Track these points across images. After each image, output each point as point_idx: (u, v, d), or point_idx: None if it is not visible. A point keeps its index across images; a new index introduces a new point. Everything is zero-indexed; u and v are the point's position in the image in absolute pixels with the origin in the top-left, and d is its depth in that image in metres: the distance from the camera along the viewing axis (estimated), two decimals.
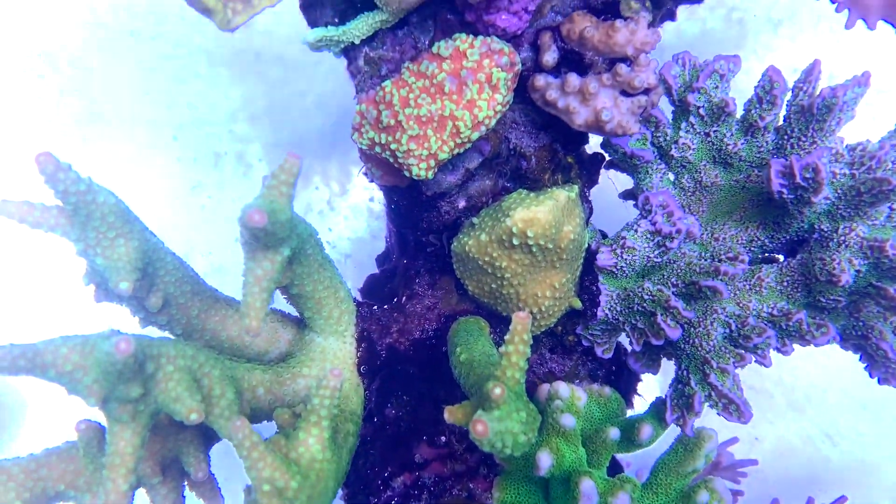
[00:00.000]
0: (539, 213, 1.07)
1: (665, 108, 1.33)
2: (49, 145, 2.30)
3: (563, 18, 1.18)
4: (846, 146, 1.16)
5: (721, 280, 1.11)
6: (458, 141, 1.09)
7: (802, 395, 2.30)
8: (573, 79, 1.11)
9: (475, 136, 1.09)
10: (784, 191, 1.13)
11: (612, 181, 1.52)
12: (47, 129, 2.36)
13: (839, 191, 1.12)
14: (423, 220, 1.27)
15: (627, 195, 1.47)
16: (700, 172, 1.30)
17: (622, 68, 1.08)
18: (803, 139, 1.18)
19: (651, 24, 1.28)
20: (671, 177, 1.34)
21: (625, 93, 1.12)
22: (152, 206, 2.40)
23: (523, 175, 1.25)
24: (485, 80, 1.08)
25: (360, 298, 1.49)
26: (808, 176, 1.09)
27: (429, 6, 1.16)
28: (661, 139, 1.31)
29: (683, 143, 1.28)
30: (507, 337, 0.89)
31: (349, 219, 2.51)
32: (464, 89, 1.07)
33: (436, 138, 1.07)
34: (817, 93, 1.17)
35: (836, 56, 2.33)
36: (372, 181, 1.22)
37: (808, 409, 2.26)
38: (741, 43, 2.41)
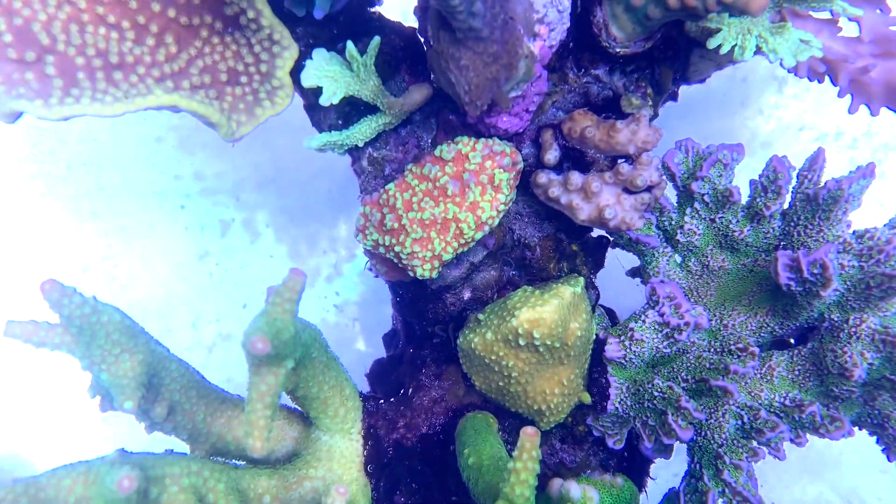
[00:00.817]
0: (545, 313, 1.07)
1: (668, 189, 1.33)
2: (58, 218, 2.33)
3: (564, 114, 1.19)
4: (854, 233, 1.15)
5: (731, 380, 1.10)
6: (462, 241, 1.09)
7: (818, 458, 2.26)
8: (575, 177, 1.11)
9: (479, 235, 1.09)
10: (792, 283, 1.12)
11: (618, 259, 1.51)
12: (56, 202, 2.38)
13: (848, 283, 1.11)
14: (428, 311, 1.26)
15: (634, 273, 1.46)
16: (707, 256, 1.29)
17: (624, 167, 1.08)
18: (810, 227, 1.17)
19: (653, 116, 1.29)
20: (678, 259, 1.33)
21: (628, 189, 1.12)
22: (160, 275, 2.42)
23: (528, 265, 1.25)
24: (487, 182, 1.08)
25: (366, 381, 1.48)
26: (815, 272, 1.08)
27: (431, 104, 1.17)
28: (666, 223, 1.31)
29: (689, 229, 1.27)
30: (515, 453, 0.88)
31: (356, 283, 2.51)
32: (467, 192, 1.07)
33: (439, 240, 1.07)
34: (822, 183, 1.17)
35: (841, 113, 2.33)
36: (377, 276, 1.22)
37: (824, 472, 2.22)
38: (746, 101, 2.42)
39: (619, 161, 1.11)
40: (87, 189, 2.37)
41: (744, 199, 1.25)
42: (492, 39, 0.91)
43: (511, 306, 1.10)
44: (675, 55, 1.25)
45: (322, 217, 2.53)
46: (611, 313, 1.45)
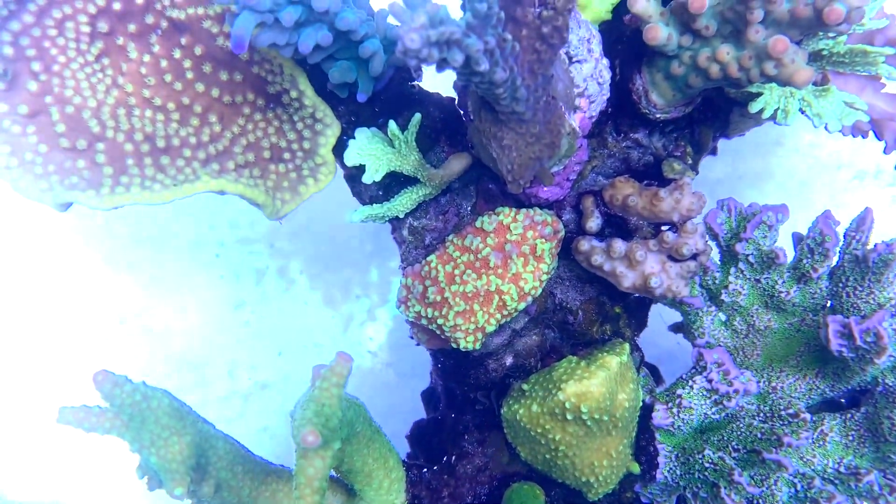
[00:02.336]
0: (592, 386, 1.05)
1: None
2: (95, 270, 2.37)
3: (605, 179, 1.19)
4: None
5: (785, 453, 1.07)
6: (505, 313, 1.08)
7: None
8: (618, 244, 1.10)
9: (522, 306, 1.09)
10: (844, 350, 1.10)
11: (661, 315, 1.49)
12: (94, 254, 2.42)
13: None
14: (469, 377, 1.26)
15: (677, 329, 1.44)
16: (752, 316, 1.27)
17: (669, 236, 1.07)
18: (860, 289, 1.15)
19: (694, 166, 1.28)
20: (722, 317, 1.31)
21: (672, 256, 1.11)
22: (196, 325, 2.44)
23: (571, 329, 1.24)
24: (529, 252, 1.08)
25: (406, 442, 1.47)
26: (869, 340, 1.06)
27: (470, 172, 1.17)
28: (710, 282, 1.29)
29: (734, 289, 1.25)
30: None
31: (390, 328, 2.51)
32: (509, 263, 1.07)
33: (482, 312, 1.06)
34: (871, 245, 1.15)
35: (880, 150, 2.30)
36: (418, 345, 1.21)
37: None
38: (781, 140, 2.39)
39: (664, 229, 1.10)
40: (123, 241, 2.41)
41: (789, 257, 1.23)
42: (534, 121, 0.91)
43: (556, 378, 1.09)
44: (715, 115, 1.24)
45: (355, 263, 2.54)
46: (654, 371, 1.43)
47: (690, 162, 1.26)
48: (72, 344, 2.37)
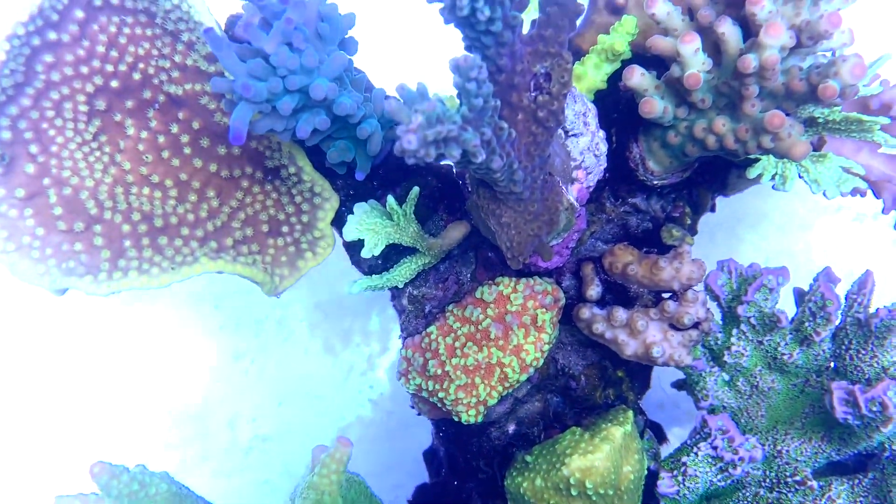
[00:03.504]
0: (597, 460, 1.04)
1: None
2: (94, 325, 2.37)
3: (604, 245, 1.18)
4: None
5: None
6: (507, 384, 1.07)
7: None
8: (619, 313, 1.09)
9: (524, 377, 1.08)
10: (849, 418, 1.09)
11: (659, 377, 1.48)
12: (92, 309, 2.42)
13: None
14: (472, 445, 1.24)
15: (679, 386, 1.43)
16: (756, 377, 1.26)
17: (670, 305, 1.07)
18: (863, 352, 1.14)
19: (693, 227, 1.28)
20: (725, 377, 1.30)
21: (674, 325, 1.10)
22: (196, 377, 2.42)
23: (573, 395, 1.22)
24: (530, 323, 1.07)
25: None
26: (874, 409, 1.04)
27: (469, 238, 1.17)
28: (712, 343, 1.28)
29: (736, 351, 1.24)
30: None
31: (391, 375, 2.49)
32: (510, 334, 1.06)
33: (484, 385, 1.06)
34: (873, 309, 1.14)
35: None
36: (419, 415, 1.20)
37: None
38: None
39: (665, 297, 1.10)
40: (122, 295, 2.41)
41: (791, 312, 1.22)
42: (532, 199, 0.91)
43: (560, 451, 1.08)
44: (713, 177, 1.24)
45: (355, 311, 2.53)
46: (658, 430, 1.42)
47: (689, 223, 1.26)
48: (72, 403, 2.35)
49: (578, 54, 1.25)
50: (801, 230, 2.34)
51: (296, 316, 2.51)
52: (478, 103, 0.73)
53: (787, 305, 1.29)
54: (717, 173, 1.24)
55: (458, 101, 0.78)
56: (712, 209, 1.41)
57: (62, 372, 2.35)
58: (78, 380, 2.36)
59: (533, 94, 0.85)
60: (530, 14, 1.11)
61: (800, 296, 1.28)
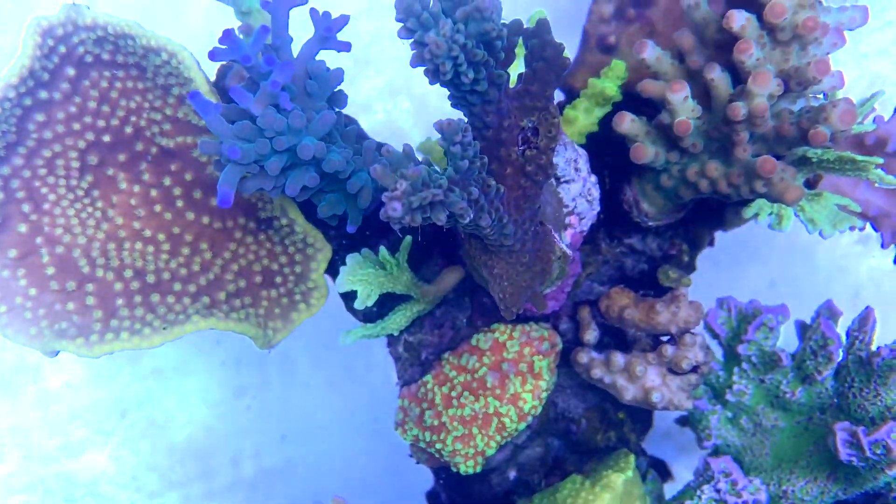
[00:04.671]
0: None
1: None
2: (96, 363, 2.36)
3: (600, 286, 1.18)
4: None
5: None
6: (505, 434, 1.06)
7: None
8: (618, 358, 1.08)
9: (522, 426, 1.07)
10: (854, 460, 1.07)
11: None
12: None
13: None
14: (473, 492, 1.23)
15: (683, 422, 1.41)
16: (759, 415, 1.24)
17: (668, 350, 1.06)
18: (866, 391, 1.12)
19: (691, 263, 1.27)
20: (728, 415, 1.28)
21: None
22: (198, 414, 2.41)
23: (574, 438, 1.21)
24: (527, 370, 1.06)
25: None
26: (878, 452, 1.03)
27: (464, 283, 1.16)
28: (713, 381, 1.27)
29: (738, 389, 1.23)
30: None
31: (395, 407, 2.48)
32: (506, 383, 1.05)
33: (482, 436, 1.04)
34: (874, 346, 1.13)
35: None
36: (418, 463, 1.19)
37: None
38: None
39: (663, 341, 1.09)
40: None
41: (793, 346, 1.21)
42: (524, 251, 0.91)
43: (561, 501, 1.06)
44: (710, 215, 1.24)
45: (357, 343, 2.53)
46: (661, 467, 1.40)
47: (687, 260, 1.25)
48: (70, 440, 2.34)
49: (571, 93, 1.25)
50: (804, 254, 2.32)
51: (298, 350, 2.51)
52: (463, 165, 0.73)
53: (789, 334, 1.28)
54: (713, 211, 1.23)
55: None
56: (711, 244, 1.40)
57: (61, 409, 2.34)
58: (76, 415, 2.35)
59: (521, 149, 0.85)
60: (516, 67, 1.11)
61: (802, 329, 1.26)
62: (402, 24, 0.76)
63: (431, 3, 0.75)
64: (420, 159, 0.76)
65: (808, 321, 1.24)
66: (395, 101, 2.28)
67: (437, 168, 0.75)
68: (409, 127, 2.24)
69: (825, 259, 2.28)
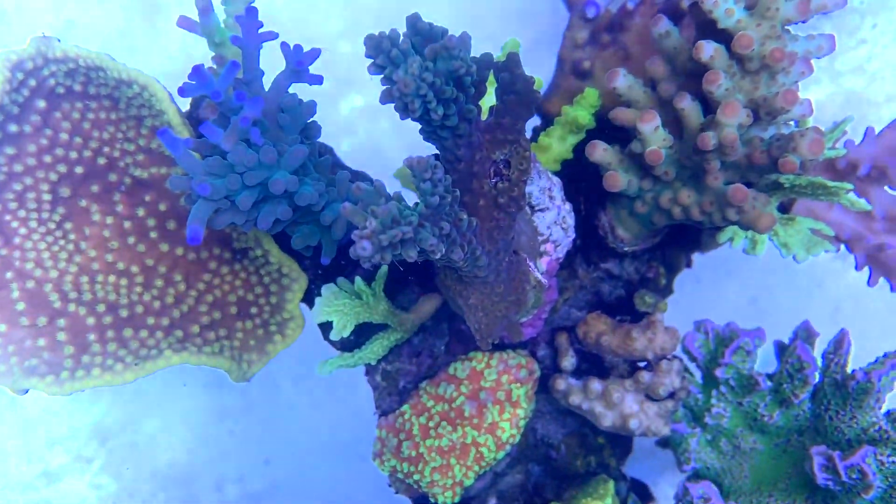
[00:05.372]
0: None
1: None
2: None
3: (578, 311, 1.18)
4: (890, 418, 1.11)
5: None
6: (483, 464, 1.06)
7: None
8: (595, 385, 1.08)
9: (501, 455, 1.06)
10: (830, 484, 1.07)
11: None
12: None
13: (890, 479, 1.06)
14: None
15: (664, 444, 1.41)
16: (737, 438, 1.24)
17: (644, 377, 1.06)
18: (842, 413, 1.13)
19: (668, 286, 1.27)
20: (707, 437, 1.28)
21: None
22: (181, 438, 2.39)
23: (554, 464, 1.21)
24: (505, 399, 1.06)
25: None
26: (853, 476, 1.03)
27: (442, 309, 1.16)
28: (692, 404, 1.27)
29: (717, 412, 1.23)
30: None
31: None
32: (484, 412, 1.05)
33: (459, 466, 1.04)
34: (849, 369, 1.13)
35: None
36: (397, 493, 1.18)
37: None
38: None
39: (640, 367, 1.09)
40: None
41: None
42: (498, 281, 0.91)
43: None
44: (685, 238, 1.24)
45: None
46: (643, 490, 1.40)
47: (665, 282, 1.26)
48: (54, 469, 2.31)
49: (547, 118, 1.26)
50: (784, 269, 2.33)
51: (281, 372, 2.49)
52: (434, 201, 0.73)
53: (769, 353, 1.28)
54: (689, 234, 1.24)
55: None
56: (688, 265, 1.41)
57: (39, 436, 2.31)
58: (56, 442, 2.32)
59: (493, 181, 0.85)
60: (489, 98, 1.11)
61: (780, 350, 1.27)
62: (371, 61, 0.76)
63: (401, 39, 0.75)
64: (391, 194, 0.75)
65: (787, 339, 1.25)
66: (376, 122, 2.28)
67: (407, 203, 0.75)
68: (389, 147, 2.24)
69: (805, 275, 2.29)
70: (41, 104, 1.02)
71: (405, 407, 1.08)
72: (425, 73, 0.70)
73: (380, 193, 0.74)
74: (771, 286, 2.32)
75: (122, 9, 2.15)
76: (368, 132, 2.28)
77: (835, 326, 2.29)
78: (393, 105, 0.75)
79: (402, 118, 0.77)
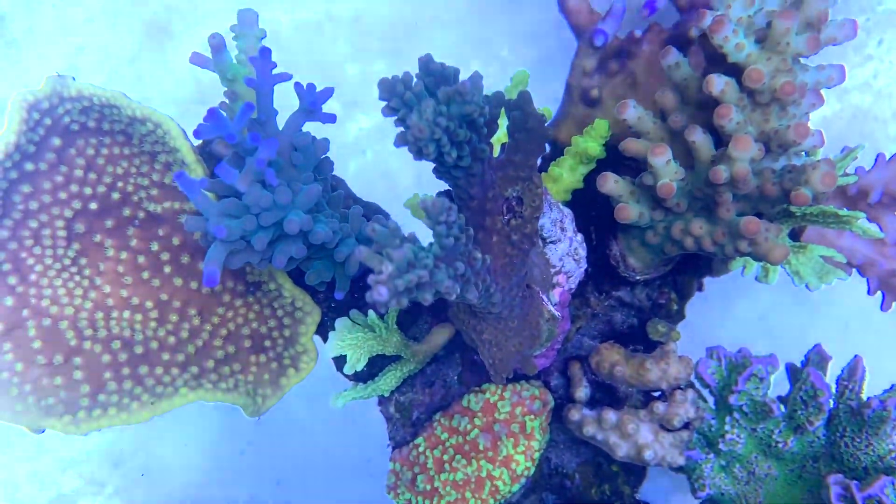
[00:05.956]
0: None
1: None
2: None
3: (591, 340, 1.18)
4: None
5: None
6: (499, 497, 1.06)
7: None
8: (610, 415, 1.08)
9: (516, 488, 1.06)
10: None
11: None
12: None
13: None
14: None
15: (677, 469, 1.41)
16: (752, 464, 1.24)
17: (659, 408, 1.06)
18: (858, 440, 1.13)
19: (680, 311, 1.27)
20: (722, 463, 1.28)
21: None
22: (193, 461, 2.39)
23: (569, 493, 1.21)
24: (519, 431, 1.06)
25: None
26: None
27: (454, 340, 1.16)
28: (706, 430, 1.26)
29: (731, 439, 1.23)
30: None
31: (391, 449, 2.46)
32: (499, 445, 1.05)
33: (475, 500, 1.04)
34: (864, 396, 1.13)
35: None
36: None
37: None
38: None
39: (654, 396, 1.09)
40: None
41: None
42: (512, 316, 0.91)
43: None
44: (697, 265, 1.24)
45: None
46: None
47: (676, 308, 1.25)
48: (67, 493, 2.31)
49: (556, 145, 1.26)
50: (793, 287, 2.33)
51: (292, 391, 2.48)
52: (449, 242, 0.73)
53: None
54: (700, 260, 1.24)
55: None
56: (700, 289, 1.40)
57: (52, 460, 2.32)
58: (68, 466, 2.33)
59: (506, 218, 0.85)
60: (500, 134, 1.11)
61: (792, 373, 1.27)
62: (385, 103, 0.77)
63: (414, 82, 0.76)
64: (406, 235, 0.76)
65: (797, 356, 1.24)
66: (383, 143, 2.29)
67: (422, 244, 0.75)
68: (397, 168, 2.25)
69: (814, 291, 2.29)
70: (56, 142, 1.03)
71: (419, 440, 1.08)
72: (439, 117, 0.71)
73: (394, 235, 0.74)
74: (780, 303, 2.31)
75: (132, 34, 2.16)
76: (376, 153, 2.29)
77: (845, 343, 2.27)
78: (407, 147, 0.76)
79: (416, 160, 0.77)
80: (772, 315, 2.33)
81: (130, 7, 2.17)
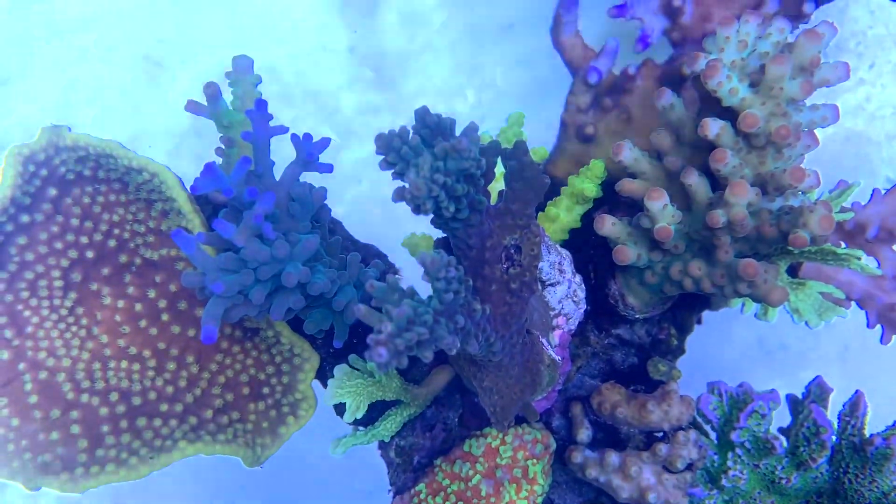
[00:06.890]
0: None
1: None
2: None
3: (591, 380, 1.17)
4: None
5: None
6: None
7: None
8: (612, 458, 1.07)
9: None
10: None
11: None
12: None
13: None
14: None
15: None
16: (755, 500, 1.23)
17: (662, 449, 1.05)
18: (861, 476, 1.12)
19: (680, 346, 1.27)
20: (725, 498, 1.27)
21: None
22: (192, 491, 2.37)
23: None
24: (521, 476, 1.05)
25: None
26: None
27: (454, 381, 1.15)
28: (708, 466, 1.25)
29: (734, 475, 1.22)
30: None
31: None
32: (501, 490, 1.04)
33: None
34: (867, 432, 1.13)
35: None
36: None
37: None
38: None
39: (657, 436, 1.08)
40: None
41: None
42: (512, 364, 0.90)
43: None
44: (695, 299, 1.24)
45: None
46: None
47: (676, 343, 1.25)
48: None
49: (552, 181, 1.26)
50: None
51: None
52: (448, 297, 0.73)
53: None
54: (699, 296, 1.23)
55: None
56: (699, 322, 1.40)
57: (49, 500, 2.29)
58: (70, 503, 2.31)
59: (505, 266, 0.85)
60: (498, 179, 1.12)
61: (793, 405, 1.26)
62: (382, 157, 0.77)
63: (410, 135, 0.76)
64: (405, 289, 0.75)
65: (795, 379, 1.24)
66: (379, 172, 2.28)
67: (421, 298, 0.75)
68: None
69: (814, 329, 2.29)
70: (52, 192, 1.02)
71: (420, 486, 1.07)
72: (436, 174, 0.71)
73: (393, 290, 0.74)
74: (778, 325, 2.30)
75: (125, 68, 2.16)
76: (372, 182, 2.29)
77: (843, 366, 2.27)
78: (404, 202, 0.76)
79: (415, 214, 0.77)
80: (769, 338, 2.33)
81: (123, 41, 2.17)
